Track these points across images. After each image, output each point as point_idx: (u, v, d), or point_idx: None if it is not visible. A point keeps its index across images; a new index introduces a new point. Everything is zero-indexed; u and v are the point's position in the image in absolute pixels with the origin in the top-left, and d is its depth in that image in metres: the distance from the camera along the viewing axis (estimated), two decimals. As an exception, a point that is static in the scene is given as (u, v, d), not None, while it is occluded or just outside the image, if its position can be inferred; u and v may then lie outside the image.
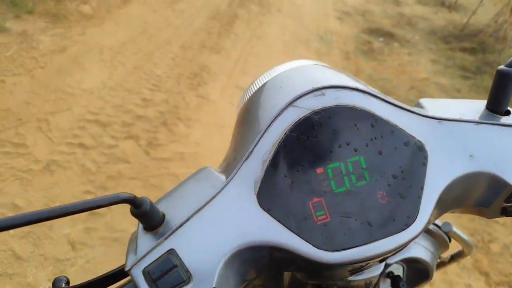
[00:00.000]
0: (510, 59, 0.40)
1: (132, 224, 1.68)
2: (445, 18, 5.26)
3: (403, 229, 0.33)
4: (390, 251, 0.33)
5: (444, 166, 0.36)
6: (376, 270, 0.48)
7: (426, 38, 4.55)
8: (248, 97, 0.45)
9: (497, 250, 1.94)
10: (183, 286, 0.30)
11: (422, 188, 0.34)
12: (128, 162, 2.03)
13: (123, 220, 1.73)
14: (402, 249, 0.35)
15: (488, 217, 0.41)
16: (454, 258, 0.66)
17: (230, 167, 0.36)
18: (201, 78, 2.90)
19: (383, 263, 0.51)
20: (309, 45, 3.95)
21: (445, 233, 0.58)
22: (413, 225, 0.33)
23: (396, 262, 0.53)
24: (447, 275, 1.75)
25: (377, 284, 0.50)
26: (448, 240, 0.58)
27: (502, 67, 0.40)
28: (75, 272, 1.50)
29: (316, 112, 0.34)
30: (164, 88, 2.68)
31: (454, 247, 0.63)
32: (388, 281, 0.52)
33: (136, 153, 2.10)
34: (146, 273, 0.31)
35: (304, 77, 0.39)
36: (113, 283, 0.37)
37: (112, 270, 0.37)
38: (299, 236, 0.32)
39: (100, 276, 0.37)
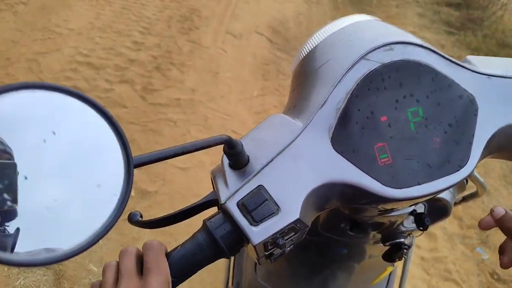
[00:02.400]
0: None
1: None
2: (433, -31, 5.20)
3: (457, 170, 0.38)
4: (446, 189, 0.38)
5: (492, 117, 0.40)
6: (404, 209, 0.52)
7: (414, -10, 4.52)
8: (309, 49, 0.46)
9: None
10: (273, 216, 0.34)
11: (473, 136, 0.39)
12: (125, 107, 2.03)
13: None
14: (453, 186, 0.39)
15: None
16: (466, 198, 0.74)
17: (303, 114, 0.39)
18: (192, 22, 2.83)
19: None
20: (299, -9, 3.86)
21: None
22: (465, 166, 0.38)
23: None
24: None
25: (403, 220, 0.55)
26: (465, 182, 0.63)
27: None
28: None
29: (385, 65, 0.37)
30: (155, 31, 2.61)
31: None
32: (411, 218, 0.56)
33: (132, 98, 2.09)
34: (240, 205, 0.34)
35: (372, 32, 0.42)
36: (193, 215, 0.40)
37: (192, 205, 0.40)
38: (369, 175, 0.36)
39: (180, 210, 0.40)
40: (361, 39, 0.41)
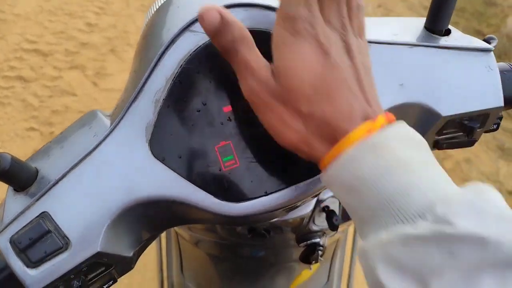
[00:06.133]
0: None
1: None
2: None
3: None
4: (307, 196, 0.30)
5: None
6: (310, 205, 0.48)
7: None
8: (147, 20, 0.38)
9: (450, 167, 2.02)
10: (59, 253, 0.27)
11: None
12: (74, 95, 1.89)
13: None
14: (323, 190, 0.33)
15: None
16: None
17: (118, 109, 0.31)
18: (153, -2, 2.64)
19: (315, 199, 0.49)
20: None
21: None
22: None
23: (332, 196, 0.51)
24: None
25: (311, 218, 0.50)
26: None
27: None
28: None
29: None
30: (111, 10, 2.43)
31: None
32: (324, 214, 0.50)
33: (83, 85, 1.95)
34: (13, 242, 0.28)
35: None
36: None
37: None
38: (199, 187, 0.29)
39: None
40: (191, 4, 0.32)
